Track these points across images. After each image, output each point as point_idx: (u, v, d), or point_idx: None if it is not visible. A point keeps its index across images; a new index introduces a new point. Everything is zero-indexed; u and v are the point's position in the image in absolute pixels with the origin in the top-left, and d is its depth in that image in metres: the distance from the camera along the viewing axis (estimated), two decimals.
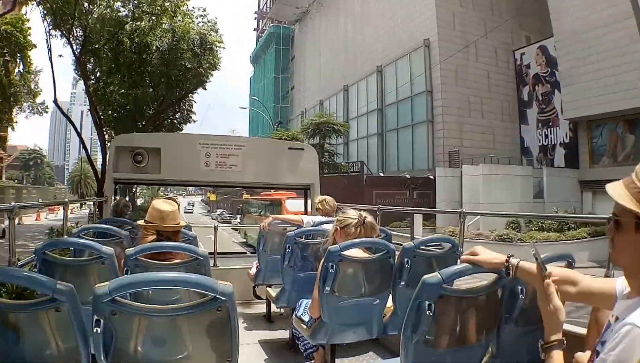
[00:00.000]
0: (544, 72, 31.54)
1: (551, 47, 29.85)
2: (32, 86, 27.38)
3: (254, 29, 78.85)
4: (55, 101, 22.14)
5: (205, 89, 25.95)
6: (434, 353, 1.97)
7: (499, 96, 33.85)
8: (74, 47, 20.71)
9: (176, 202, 3.15)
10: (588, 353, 1.59)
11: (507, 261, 1.82)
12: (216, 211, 59.35)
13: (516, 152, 33.07)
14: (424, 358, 1.96)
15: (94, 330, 1.58)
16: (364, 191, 27.78)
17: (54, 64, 20.40)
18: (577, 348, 1.82)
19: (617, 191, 1.34)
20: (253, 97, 60.13)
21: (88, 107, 24.01)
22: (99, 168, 21.87)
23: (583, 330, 2.14)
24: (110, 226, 3.92)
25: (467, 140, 32.25)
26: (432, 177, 29.01)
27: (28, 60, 23.90)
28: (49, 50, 20.30)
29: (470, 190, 26.02)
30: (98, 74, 23.95)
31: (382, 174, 34.23)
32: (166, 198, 3.03)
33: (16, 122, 29.53)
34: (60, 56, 22.61)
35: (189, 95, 26.95)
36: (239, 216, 31.82)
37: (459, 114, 32.44)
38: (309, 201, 7.15)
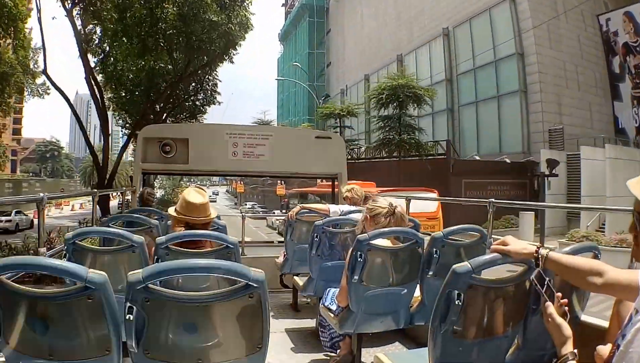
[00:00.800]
0: (633, 42, 26.51)
1: (637, 14, 25.54)
2: (32, 65, 24.58)
3: (282, 4, 74.81)
4: (44, 71, 20.08)
5: (232, 62, 22.04)
6: (462, 344, 1.96)
7: (591, 65, 28.10)
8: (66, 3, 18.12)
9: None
10: (609, 346, 1.57)
11: (536, 251, 1.80)
12: (245, 204, 50.71)
13: (610, 133, 26.97)
14: (451, 349, 1.96)
15: (127, 317, 1.60)
16: (449, 179, 23.25)
17: (43, 27, 18.39)
18: (599, 341, 1.79)
19: (638, 188, 1.33)
20: (294, 64, 51.50)
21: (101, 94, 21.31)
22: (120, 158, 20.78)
23: (605, 323, 2.13)
24: (140, 215, 4.00)
25: (566, 116, 26.55)
26: (536, 161, 23.62)
27: (22, 33, 20.44)
28: (38, 10, 18.38)
29: (590, 179, 20.48)
30: (105, 45, 21.06)
31: (477, 158, 27.50)
32: (196, 186, 3.05)
33: (17, 108, 25.04)
34: (54, 18, 19.26)
35: (214, 66, 23.18)
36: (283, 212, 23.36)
37: (556, 83, 26.70)
38: (336, 191, 7.16)
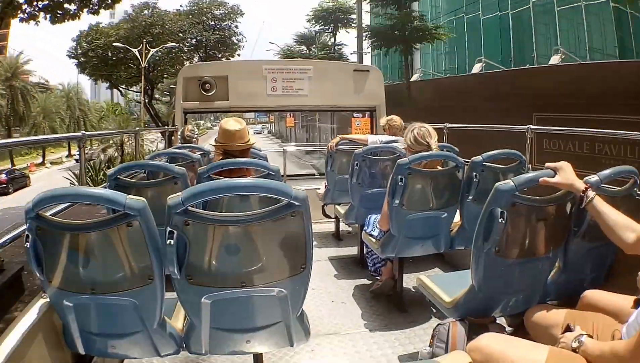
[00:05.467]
0: None
1: None
2: None
3: None
4: None
5: None
6: (504, 263, 1.96)
7: None
8: None
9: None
10: None
11: (584, 191, 1.79)
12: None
13: None
14: (494, 269, 1.96)
15: (168, 242, 1.60)
16: None
17: None
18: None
19: None
20: None
21: None
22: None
23: None
24: (182, 151, 4.07)
25: None
26: None
27: None
28: None
29: None
30: None
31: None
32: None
33: None
34: None
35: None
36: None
37: None
38: (374, 123, 7.08)
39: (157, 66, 30.75)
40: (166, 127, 8.88)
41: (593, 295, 1.96)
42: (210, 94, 6.56)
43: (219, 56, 31.36)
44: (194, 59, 31.52)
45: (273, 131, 67.64)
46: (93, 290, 1.70)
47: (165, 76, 32.21)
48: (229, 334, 1.91)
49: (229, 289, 1.73)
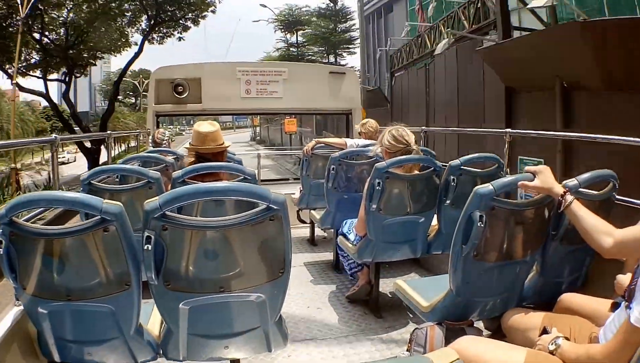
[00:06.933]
0: None
1: None
2: None
3: None
4: None
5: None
6: (483, 267, 1.97)
7: None
8: None
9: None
10: (629, 275, 1.58)
11: (563, 195, 1.81)
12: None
13: None
14: (472, 273, 1.98)
15: (145, 248, 1.56)
16: None
17: None
18: (618, 270, 1.81)
19: None
20: None
21: None
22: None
23: None
24: (155, 155, 3.99)
25: None
26: None
27: None
28: None
29: None
30: None
31: None
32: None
33: None
34: None
35: None
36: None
37: None
38: (350, 127, 7.10)
39: (81, 36, 19.28)
40: (137, 130, 8.67)
41: (570, 298, 1.99)
42: (183, 96, 6.50)
43: (179, 15, 20.96)
44: (140, 22, 21.00)
45: (257, 137, 55.63)
46: (69, 297, 1.65)
47: (98, 54, 21.35)
48: (206, 340, 1.87)
49: (207, 294, 1.70)
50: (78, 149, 24.18)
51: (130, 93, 59.65)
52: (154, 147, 5.45)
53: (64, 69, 20.79)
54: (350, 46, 39.72)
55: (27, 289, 1.66)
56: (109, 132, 6.28)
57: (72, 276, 1.65)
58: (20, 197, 1.63)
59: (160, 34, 21.83)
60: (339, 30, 38.52)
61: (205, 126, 2.80)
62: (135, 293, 1.69)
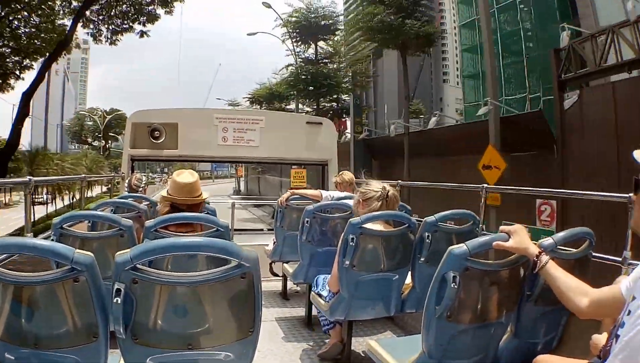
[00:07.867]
0: None
1: None
2: None
3: None
4: None
5: None
6: (456, 328, 1.95)
7: None
8: None
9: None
10: (605, 335, 1.57)
11: (538, 256, 1.81)
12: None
13: None
14: (445, 334, 1.95)
15: (114, 301, 1.53)
16: None
17: None
18: (594, 330, 1.80)
19: None
20: None
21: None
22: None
23: None
24: (128, 201, 3.92)
25: None
26: None
27: None
28: None
29: None
30: None
31: None
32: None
33: None
34: None
35: None
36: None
37: None
38: (325, 178, 7.14)
39: None
40: (111, 174, 8.52)
41: (546, 359, 1.96)
42: (159, 141, 6.47)
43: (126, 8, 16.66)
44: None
45: (241, 189, 48.52)
46: (36, 345, 1.59)
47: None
48: None
49: (175, 351, 1.66)
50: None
51: (98, 134, 58.96)
52: (129, 192, 5.36)
53: None
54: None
55: None
56: (83, 175, 6.14)
57: (41, 324, 1.60)
58: None
59: (113, 26, 16.23)
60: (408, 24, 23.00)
61: (184, 175, 2.78)
62: (102, 344, 1.64)
